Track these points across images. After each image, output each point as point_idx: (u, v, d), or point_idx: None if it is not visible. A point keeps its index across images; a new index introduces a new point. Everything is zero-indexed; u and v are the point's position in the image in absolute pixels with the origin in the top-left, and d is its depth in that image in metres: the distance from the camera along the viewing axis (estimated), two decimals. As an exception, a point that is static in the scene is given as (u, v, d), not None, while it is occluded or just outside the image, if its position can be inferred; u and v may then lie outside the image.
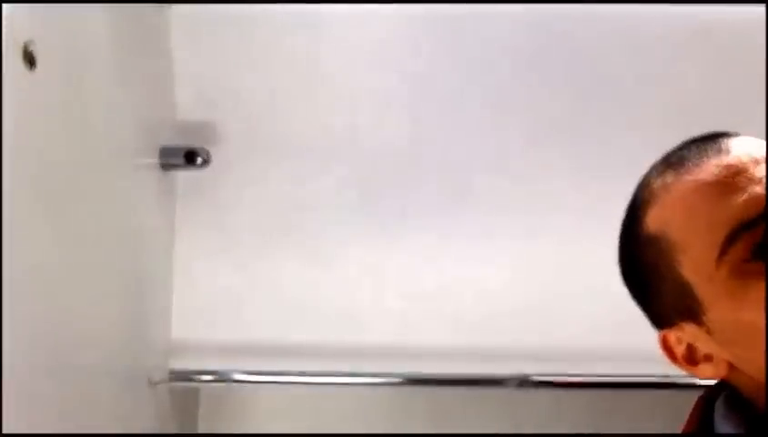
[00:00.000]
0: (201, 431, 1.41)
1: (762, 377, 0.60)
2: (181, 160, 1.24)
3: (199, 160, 1.24)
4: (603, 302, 1.27)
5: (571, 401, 1.35)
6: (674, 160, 0.65)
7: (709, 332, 0.63)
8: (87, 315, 0.97)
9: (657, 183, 0.65)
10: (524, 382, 1.23)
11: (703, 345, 0.64)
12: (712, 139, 0.64)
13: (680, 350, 0.66)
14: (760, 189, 0.59)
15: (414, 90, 1.32)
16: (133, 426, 1.13)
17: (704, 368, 0.65)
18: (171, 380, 1.25)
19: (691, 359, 0.66)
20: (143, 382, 1.19)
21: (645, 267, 0.66)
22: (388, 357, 1.29)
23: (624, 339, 1.26)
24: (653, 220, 0.65)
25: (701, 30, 1.29)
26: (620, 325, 1.26)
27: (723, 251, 0.59)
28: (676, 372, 1.18)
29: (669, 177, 0.64)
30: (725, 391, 0.67)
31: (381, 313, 1.31)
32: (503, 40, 1.31)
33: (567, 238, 1.30)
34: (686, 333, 0.64)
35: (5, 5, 0.74)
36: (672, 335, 0.66)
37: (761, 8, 1.25)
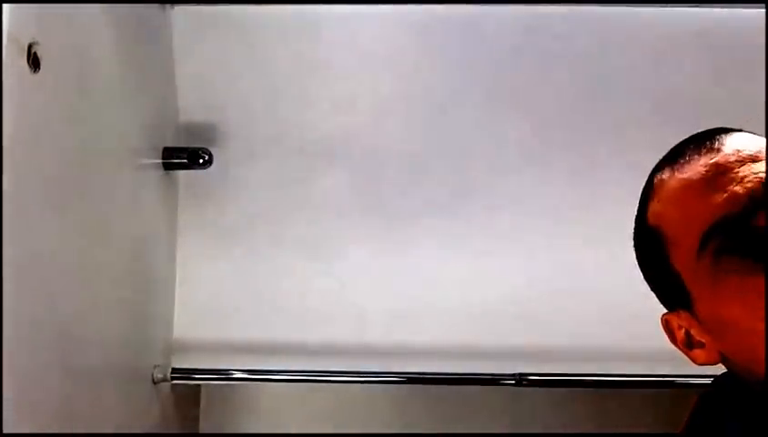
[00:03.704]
0: (203, 429, 1.41)
1: (748, 366, 0.63)
2: (184, 161, 1.25)
3: (201, 161, 1.25)
4: (602, 302, 1.28)
5: (569, 401, 1.35)
6: (671, 157, 0.69)
7: (699, 322, 0.67)
8: (90, 314, 0.98)
9: (657, 178, 0.70)
10: (522, 381, 1.23)
11: (696, 333, 0.68)
12: (709, 136, 0.68)
13: (680, 334, 0.70)
14: (739, 189, 0.62)
15: (414, 91, 1.33)
16: (135, 424, 1.14)
17: (698, 353, 0.69)
18: (173, 378, 1.26)
19: (688, 343, 0.69)
20: (145, 381, 1.20)
21: (647, 256, 0.70)
22: (388, 356, 1.30)
23: (623, 338, 1.27)
24: (652, 214, 0.69)
25: (701, 31, 1.29)
26: (618, 325, 1.27)
27: (702, 247, 0.63)
28: (676, 372, 1.20)
29: (665, 174, 0.68)
30: (725, 383, 0.70)
31: (381, 313, 1.31)
32: (502, 41, 1.31)
33: (566, 239, 1.30)
34: (683, 319, 0.68)
35: (7, 6, 0.75)
36: (673, 320, 0.70)
37: (761, 9, 1.25)
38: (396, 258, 1.32)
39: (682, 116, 1.25)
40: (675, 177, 0.67)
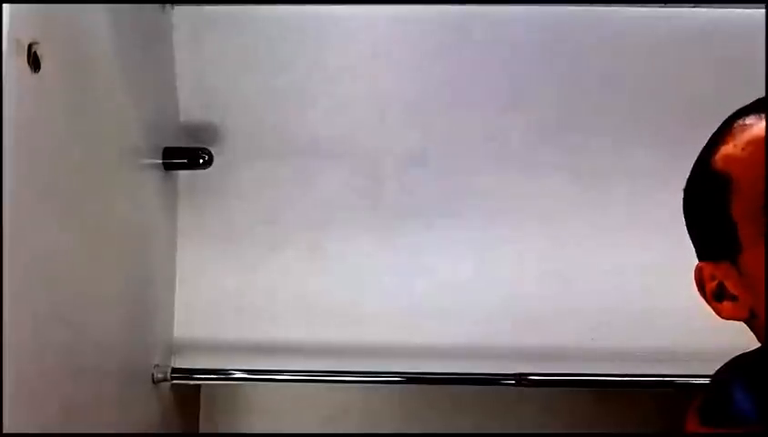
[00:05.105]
0: (203, 429, 1.41)
1: None
2: (184, 161, 1.25)
3: (201, 161, 1.25)
4: (603, 302, 1.28)
5: (569, 401, 1.35)
6: (759, 105, 0.69)
7: (740, 274, 0.66)
8: (90, 313, 0.97)
9: (738, 123, 0.69)
10: (522, 381, 1.23)
11: (733, 285, 0.67)
12: None
13: (711, 285, 0.69)
14: None
15: (415, 91, 1.33)
16: (135, 424, 1.14)
17: (727, 306, 0.68)
18: (173, 378, 1.26)
19: (718, 295, 0.69)
20: (145, 381, 1.20)
21: (702, 200, 0.70)
22: (387, 356, 1.30)
23: (623, 338, 1.27)
24: (722, 157, 0.68)
25: (701, 31, 1.29)
26: (618, 325, 1.27)
27: None
28: (676, 372, 1.20)
29: (750, 119, 0.68)
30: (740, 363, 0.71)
31: (381, 312, 1.31)
32: (503, 41, 1.31)
33: (566, 238, 1.30)
34: (720, 270, 0.68)
35: (7, 6, 0.75)
36: (708, 269, 0.69)
37: (761, 9, 1.25)
38: (396, 258, 1.32)
39: (682, 117, 1.25)
40: (760, 125, 0.66)
